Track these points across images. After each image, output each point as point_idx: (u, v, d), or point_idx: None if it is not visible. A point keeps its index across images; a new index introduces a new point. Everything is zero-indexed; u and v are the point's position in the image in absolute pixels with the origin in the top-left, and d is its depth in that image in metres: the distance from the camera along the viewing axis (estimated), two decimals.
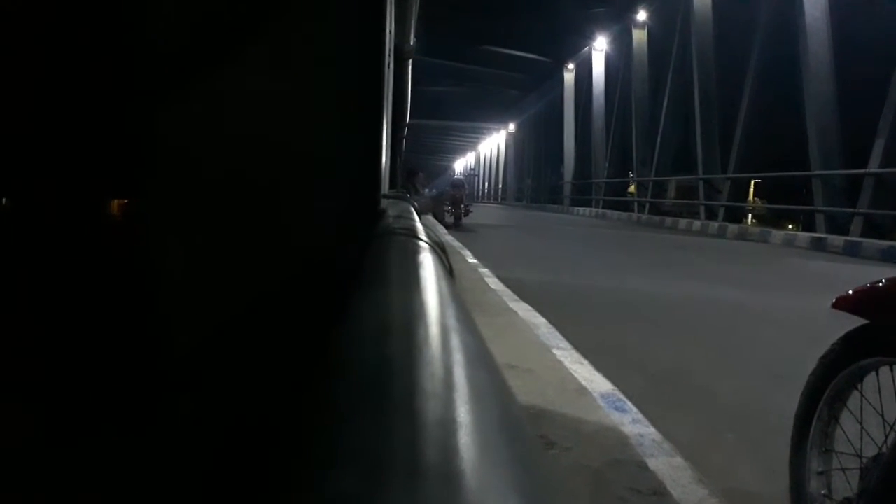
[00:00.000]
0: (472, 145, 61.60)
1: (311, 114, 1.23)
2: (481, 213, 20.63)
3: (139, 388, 1.11)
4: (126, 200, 1.19)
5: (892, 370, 1.61)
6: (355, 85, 1.26)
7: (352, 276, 0.97)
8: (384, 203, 1.60)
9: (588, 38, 28.56)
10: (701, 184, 19.11)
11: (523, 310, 5.06)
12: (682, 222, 18.93)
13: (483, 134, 54.70)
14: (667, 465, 2.31)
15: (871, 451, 1.62)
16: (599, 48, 28.60)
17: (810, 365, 1.82)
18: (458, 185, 17.38)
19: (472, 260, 8.37)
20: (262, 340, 1.15)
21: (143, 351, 1.12)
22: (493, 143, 55.32)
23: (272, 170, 1.20)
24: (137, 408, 1.10)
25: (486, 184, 59.75)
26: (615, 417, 2.75)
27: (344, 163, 1.27)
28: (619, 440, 2.52)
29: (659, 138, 21.87)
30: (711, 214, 18.33)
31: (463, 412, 0.36)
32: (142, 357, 1.12)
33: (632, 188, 25.56)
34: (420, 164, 27.72)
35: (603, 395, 3.02)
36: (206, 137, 1.16)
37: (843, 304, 1.67)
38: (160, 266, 1.15)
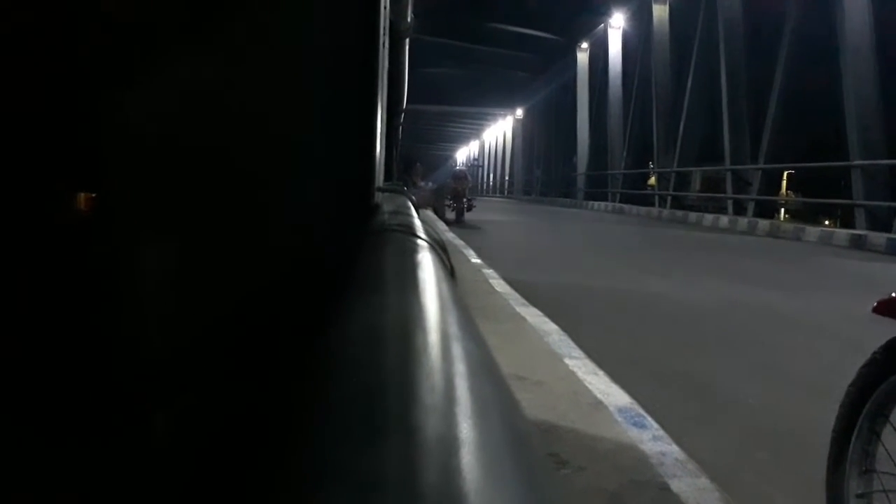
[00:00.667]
0: (476, 133, 61.61)
1: (298, 99, 1.23)
2: (486, 208, 20.63)
3: (109, 398, 1.11)
4: (94, 195, 1.19)
5: None
6: (347, 66, 1.26)
7: (342, 277, 0.97)
8: (379, 197, 1.60)
9: (604, 14, 28.52)
10: (728, 175, 19.08)
11: (532, 315, 5.05)
12: (708, 218, 18.91)
13: (488, 121, 54.69)
14: (691, 487, 2.30)
15: None
16: (616, 25, 28.56)
17: (849, 375, 1.82)
18: (460, 176, 17.38)
19: (476, 260, 8.38)
20: (243, 349, 1.15)
21: (114, 360, 1.12)
22: (499, 131, 55.31)
23: (254, 161, 1.20)
24: (109, 420, 1.10)
25: (491, 175, 59.76)
26: (634, 434, 2.75)
27: (334, 153, 1.27)
28: (638, 459, 2.51)
29: (682, 125, 21.84)
30: (740, 209, 18.31)
31: (465, 428, 0.36)
32: (113, 367, 1.12)
33: (652, 180, 25.53)
34: (418, 154, 27.71)
35: (620, 410, 3.02)
36: (182, 126, 1.16)
37: (884, 308, 1.67)
38: (133, 267, 1.15)
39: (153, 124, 1.15)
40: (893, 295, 1.68)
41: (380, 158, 1.66)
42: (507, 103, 44.77)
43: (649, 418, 2.93)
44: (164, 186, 1.16)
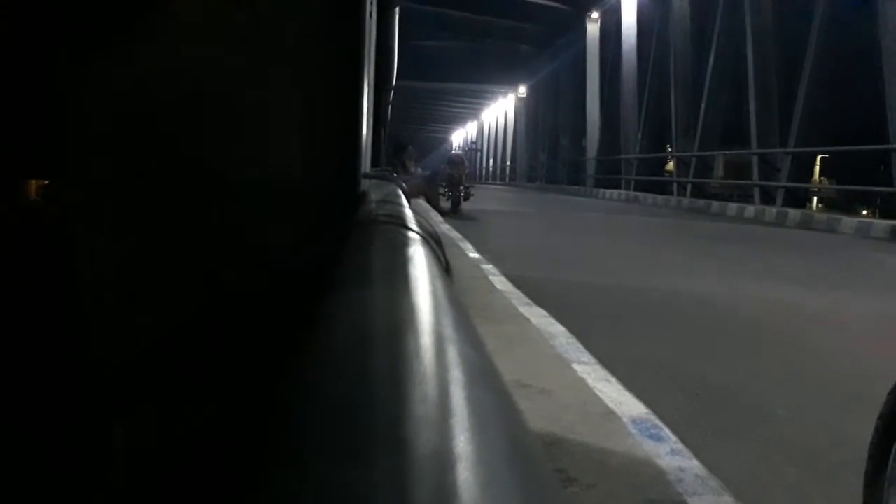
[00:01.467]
0: (474, 113, 61.54)
1: (273, 75, 1.23)
2: (485, 197, 20.63)
3: (68, 402, 1.11)
4: (46, 182, 1.19)
5: None
6: (329, 38, 1.26)
7: (325, 275, 0.97)
8: (365, 184, 1.59)
9: None
10: (755, 160, 19.11)
11: (537, 316, 5.06)
12: (733, 207, 18.94)
13: (487, 99, 54.63)
14: None
15: None
16: None
17: (888, 383, 1.83)
18: (456, 162, 17.35)
19: (474, 254, 8.38)
20: (213, 355, 1.15)
21: (66, 364, 1.12)
22: (500, 111, 55.26)
23: (225, 145, 1.20)
24: (55, 434, 1.10)
25: (491, 160, 59.74)
26: (649, 447, 2.76)
27: (315, 135, 1.27)
28: (655, 475, 2.52)
29: (704, 104, 21.84)
30: (768, 198, 18.34)
31: (461, 442, 0.36)
32: (64, 371, 1.12)
33: (670, 165, 25.56)
34: (410, 137, 27.70)
35: (634, 420, 3.03)
36: (145, 106, 1.15)
37: None
38: (88, 261, 1.14)
39: (112, 103, 1.14)
40: None
41: (366, 141, 1.66)
42: (508, 80, 44.70)
43: (667, 430, 2.94)
44: (125, 172, 1.16)
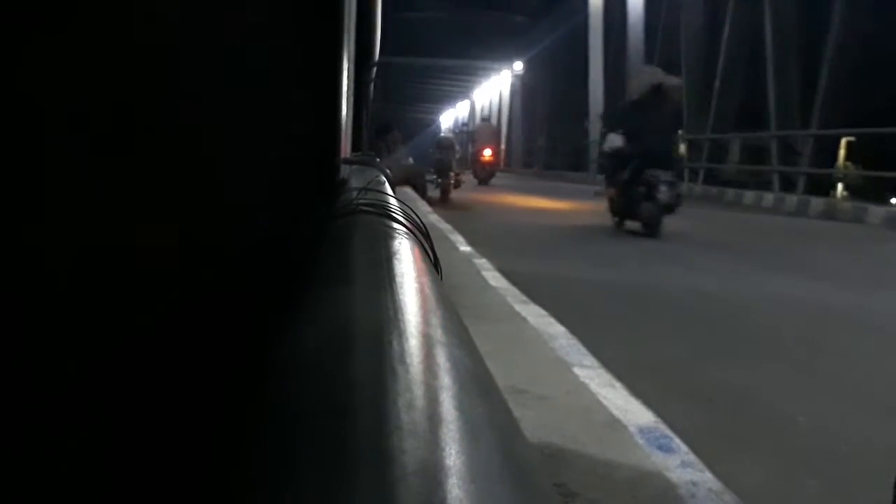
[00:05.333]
0: (465, 92, 61.42)
1: (242, 50, 1.22)
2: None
3: (18, 412, 1.11)
4: None
5: None
6: (304, 9, 1.25)
7: (301, 271, 0.97)
8: (345, 171, 1.59)
9: None
10: (774, 143, 19.16)
11: (534, 314, 5.07)
12: (749, 195, 18.99)
13: (479, 76, 54.52)
14: None
15: None
16: None
17: None
18: (445, 145, 17.33)
19: (465, 248, 8.38)
20: (177, 360, 1.14)
21: (14, 372, 1.12)
22: (493, 90, 55.19)
23: (187, 127, 1.19)
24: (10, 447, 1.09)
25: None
26: (658, 459, 2.77)
27: (289, 116, 1.26)
28: (664, 490, 2.53)
29: (717, 82, 21.89)
30: (788, 185, 18.39)
31: (452, 454, 0.36)
32: (11, 380, 1.11)
33: (681, 149, 25.59)
34: (395, 118, 27.61)
35: (642, 430, 3.04)
36: (105, 89, 1.15)
37: None
38: (33, 255, 1.14)
39: (72, 85, 1.14)
40: None
41: (346, 123, 1.66)
42: (502, 55, 44.61)
43: (677, 440, 2.95)
44: (82, 158, 1.15)
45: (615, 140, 11.03)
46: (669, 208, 10.15)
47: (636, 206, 10.31)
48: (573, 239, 10.74)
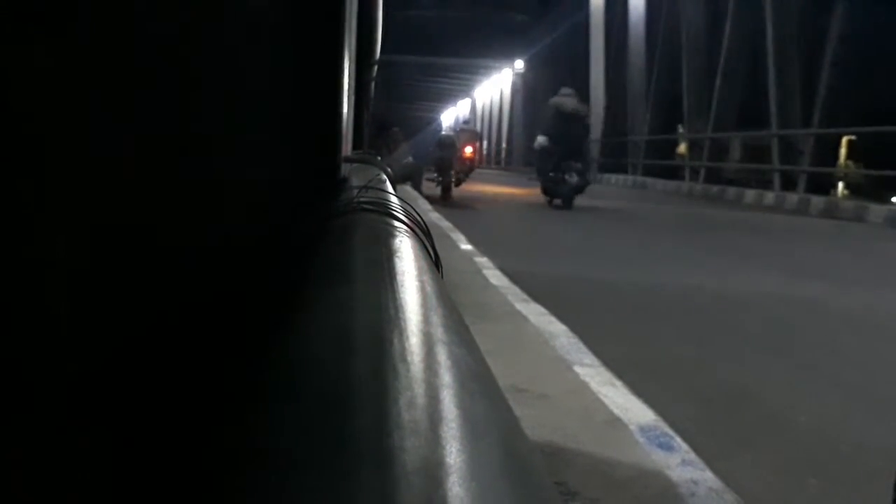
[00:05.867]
0: (466, 90, 61.41)
1: (243, 49, 1.22)
2: (478, 183, 20.65)
3: (12, 412, 1.11)
4: None
5: None
6: (305, 7, 1.25)
7: (301, 269, 0.97)
8: (346, 169, 1.59)
9: None
10: (775, 142, 19.15)
11: (535, 313, 5.07)
12: (750, 194, 18.99)
13: (480, 75, 54.50)
14: None
15: None
16: None
17: None
18: (446, 144, 17.32)
19: (466, 246, 8.39)
20: (177, 359, 1.14)
21: (13, 372, 1.12)
22: (494, 88, 55.21)
23: (187, 125, 1.19)
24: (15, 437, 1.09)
25: (485, 142, 59.66)
26: (659, 458, 2.77)
27: (289, 114, 1.26)
28: (664, 488, 2.53)
29: (719, 81, 21.87)
30: (789, 184, 18.39)
31: (453, 453, 0.36)
32: (10, 380, 1.11)
33: (682, 148, 25.58)
34: (396, 117, 27.60)
35: (642, 428, 3.04)
36: (99, 84, 1.15)
37: None
38: (44, 255, 1.14)
39: (63, 84, 1.14)
40: None
41: (347, 121, 1.66)
42: (503, 53, 44.58)
43: (678, 438, 2.96)
44: (81, 158, 1.15)
45: (542, 141, 14.98)
46: (579, 189, 14.39)
47: (557, 188, 14.47)
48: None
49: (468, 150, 18.06)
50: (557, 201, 14.47)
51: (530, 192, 16.82)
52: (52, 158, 1.13)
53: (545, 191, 14.92)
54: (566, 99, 14.94)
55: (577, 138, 14.82)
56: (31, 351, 1.11)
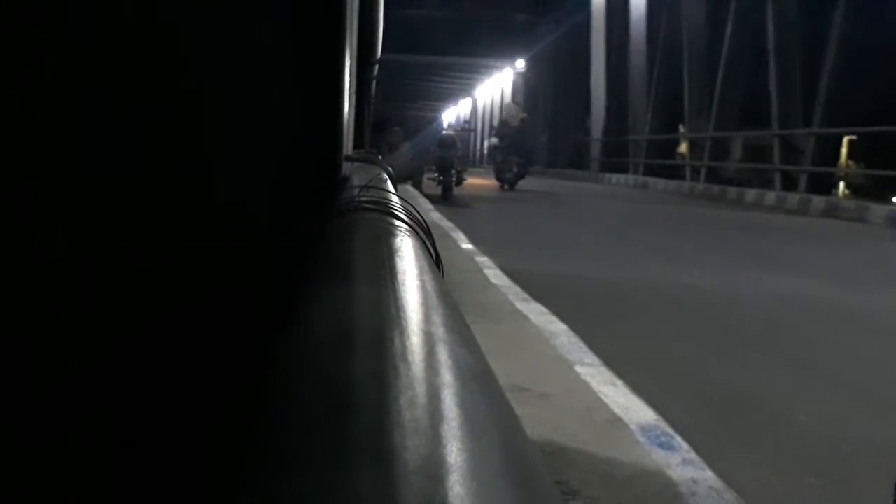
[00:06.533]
0: (467, 90, 61.38)
1: (244, 50, 1.22)
2: (479, 182, 20.70)
3: (16, 415, 1.11)
4: None
5: None
6: (308, 6, 1.25)
7: (302, 268, 0.97)
8: (347, 168, 1.59)
9: None
10: (776, 142, 19.14)
11: (536, 313, 5.07)
12: (751, 194, 18.98)
13: (481, 74, 54.44)
14: None
15: None
16: None
17: None
18: (447, 143, 17.35)
19: (467, 245, 8.39)
20: (179, 358, 1.14)
21: (13, 372, 1.12)
22: (495, 88, 55.15)
23: (189, 124, 1.19)
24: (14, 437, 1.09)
25: (486, 142, 59.65)
26: (659, 457, 2.77)
27: (291, 113, 1.26)
28: (665, 487, 2.53)
29: (719, 80, 21.86)
30: (790, 183, 18.38)
31: (454, 452, 0.36)
32: (10, 380, 1.11)
33: (682, 148, 25.57)
34: (396, 116, 27.63)
35: (643, 428, 3.04)
36: (102, 85, 1.15)
37: None
38: (42, 255, 1.14)
39: (67, 83, 1.14)
40: None
41: (348, 120, 1.66)
42: (504, 53, 44.52)
43: (678, 438, 2.95)
44: (81, 157, 1.15)
45: (495, 141, 21.70)
46: (520, 176, 19.64)
47: (503, 175, 19.84)
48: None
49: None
50: (506, 186, 19.62)
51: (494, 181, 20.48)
52: (52, 158, 1.13)
53: (497, 177, 20.30)
54: (511, 111, 20.80)
55: (517, 140, 20.24)
56: (31, 351, 1.11)
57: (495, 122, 60.80)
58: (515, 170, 19.65)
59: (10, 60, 1.09)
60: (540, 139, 41.95)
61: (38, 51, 1.10)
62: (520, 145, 20.25)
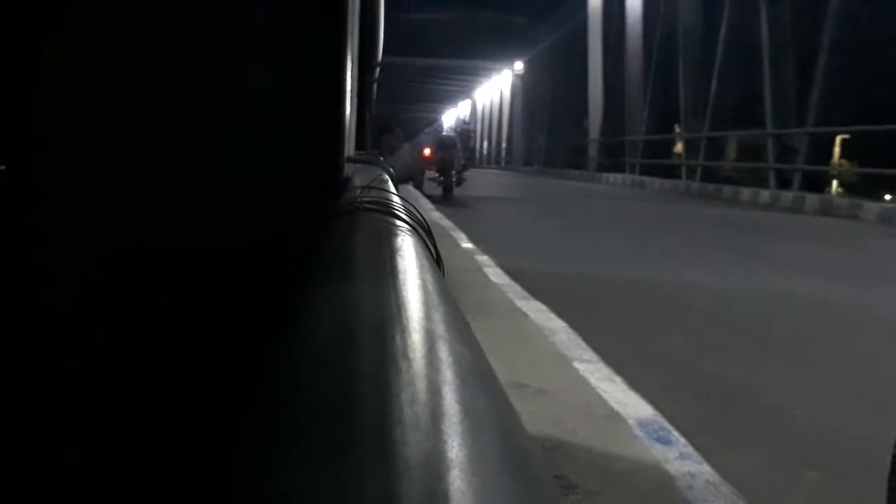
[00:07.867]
0: (466, 92, 61.39)
1: (249, 52, 1.22)
2: (479, 182, 20.69)
3: (18, 414, 1.10)
4: (2, 168, 1.18)
5: None
6: (309, 11, 1.25)
7: (306, 267, 0.97)
8: (349, 169, 1.59)
9: None
10: (770, 141, 19.14)
11: (535, 310, 5.07)
12: (746, 192, 18.99)
13: (480, 76, 54.48)
14: None
15: None
16: None
17: None
18: (447, 144, 17.34)
19: (467, 245, 8.39)
20: (186, 354, 1.14)
21: (23, 368, 1.12)
22: (494, 90, 55.21)
23: (196, 128, 1.19)
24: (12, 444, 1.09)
25: (486, 143, 59.68)
26: (657, 451, 2.77)
27: (294, 116, 1.26)
28: (663, 481, 2.53)
29: (714, 81, 21.86)
30: (784, 182, 18.39)
31: (454, 448, 0.36)
32: (21, 377, 1.11)
33: (678, 147, 25.58)
34: (397, 118, 27.63)
35: (641, 423, 3.04)
36: (110, 88, 1.15)
37: None
38: (46, 254, 1.14)
39: (70, 84, 1.14)
40: None
41: (350, 122, 1.66)
42: (503, 55, 44.59)
43: (675, 433, 2.95)
44: (83, 162, 1.15)
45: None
46: (459, 182, 18.04)
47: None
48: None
49: (426, 151, 18.72)
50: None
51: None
52: (53, 158, 1.13)
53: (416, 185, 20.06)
54: (448, 131, 20.44)
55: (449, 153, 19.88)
56: (31, 351, 1.11)
57: (495, 123, 61.01)
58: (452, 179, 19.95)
59: (10, 60, 1.09)
60: (538, 139, 42.02)
61: (39, 51, 1.10)
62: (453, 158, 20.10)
